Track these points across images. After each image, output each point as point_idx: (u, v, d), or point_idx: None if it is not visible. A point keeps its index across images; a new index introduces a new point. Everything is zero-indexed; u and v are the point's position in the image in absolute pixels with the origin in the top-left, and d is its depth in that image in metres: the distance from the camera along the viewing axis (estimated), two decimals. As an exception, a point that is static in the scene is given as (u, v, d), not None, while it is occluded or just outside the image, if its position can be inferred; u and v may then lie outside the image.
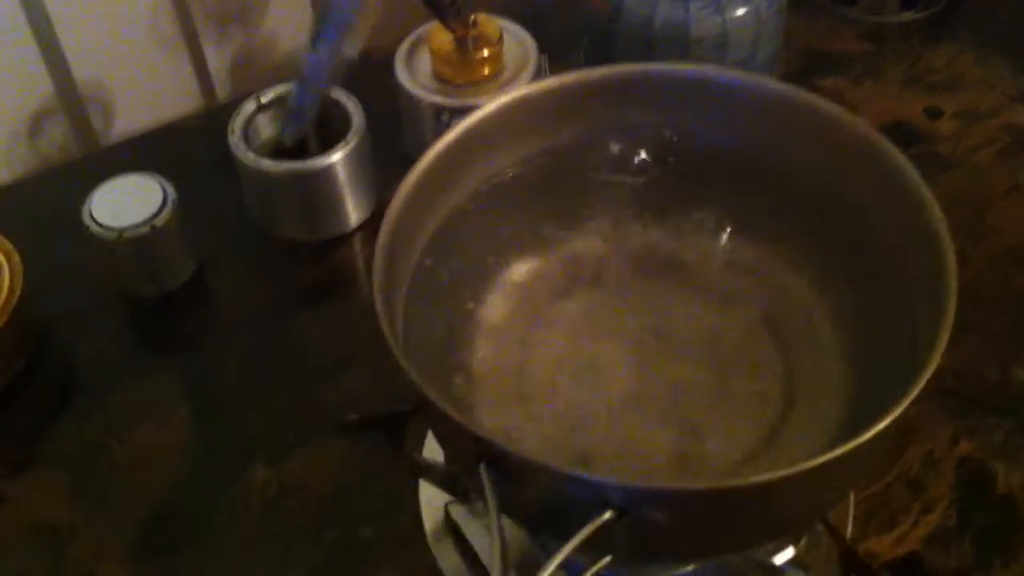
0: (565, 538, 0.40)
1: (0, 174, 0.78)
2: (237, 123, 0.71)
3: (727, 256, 0.57)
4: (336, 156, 0.69)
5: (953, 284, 0.44)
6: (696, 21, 0.68)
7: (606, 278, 0.58)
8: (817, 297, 0.55)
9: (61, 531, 0.60)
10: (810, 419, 0.51)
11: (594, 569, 0.43)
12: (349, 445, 0.62)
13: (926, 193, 0.48)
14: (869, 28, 0.85)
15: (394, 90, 0.74)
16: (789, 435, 0.51)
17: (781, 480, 0.40)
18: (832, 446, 0.40)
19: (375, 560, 0.58)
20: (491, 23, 0.73)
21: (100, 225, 0.66)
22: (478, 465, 0.42)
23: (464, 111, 0.54)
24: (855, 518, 0.57)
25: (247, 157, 0.69)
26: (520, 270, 0.57)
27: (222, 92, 0.84)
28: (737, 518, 0.43)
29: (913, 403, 0.41)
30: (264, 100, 0.72)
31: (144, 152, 0.78)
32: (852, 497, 0.57)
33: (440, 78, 0.73)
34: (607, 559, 0.43)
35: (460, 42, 0.71)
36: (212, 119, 0.80)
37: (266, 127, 0.73)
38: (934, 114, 0.79)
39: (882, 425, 0.41)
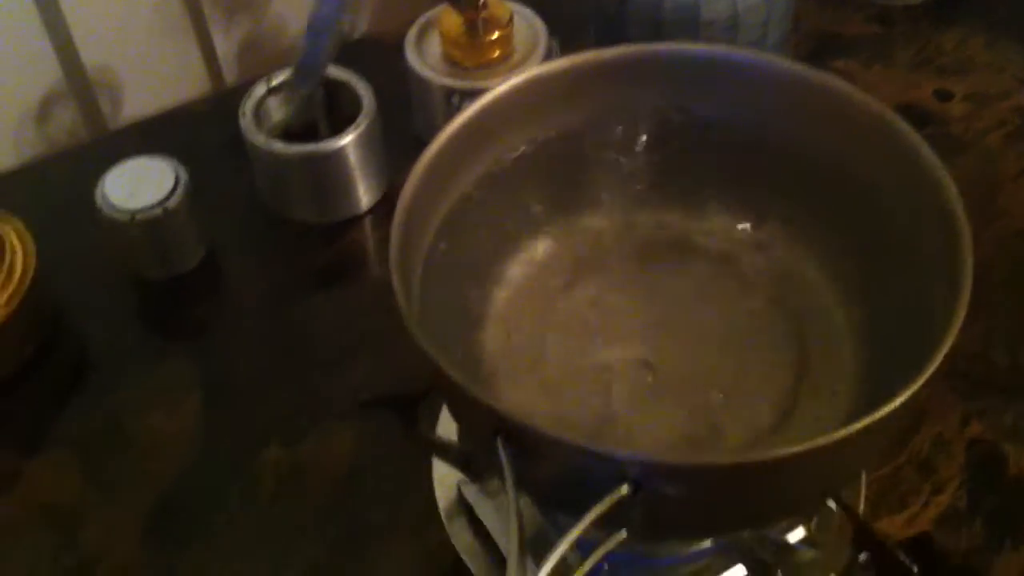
0: (580, 514, 0.40)
1: (9, 158, 0.78)
2: (248, 106, 0.71)
3: (740, 237, 0.57)
4: (347, 139, 0.69)
5: (969, 261, 0.44)
6: (706, 3, 0.67)
7: (619, 259, 0.57)
8: (830, 277, 0.55)
9: (72, 513, 0.60)
10: (823, 399, 0.51)
11: (609, 544, 0.43)
12: (362, 427, 0.62)
13: (941, 171, 0.48)
14: (878, 11, 0.85)
15: (404, 73, 0.74)
16: (802, 415, 0.51)
17: (797, 455, 0.40)
18: (846, 425, 0.40)
19: (389, 538, 0.58)
20: (501, 5, 0.73)
21: (113, 207, 0.66)
22: (495, 440, 0.42)
23: (475, 93, 0.54)
24: (867, 499, 0.57)
25: (258, 139, 0.69)
26: (532, 252, 0.57)
27: (230, 76, 0.84)
28: (752, 494, 0.43)
29: (927, 382, 0.41)
30: (274, 83, 0.72)
31: (153, 136, 0.78)
32: (864, 478, 0.57)
33: (450, 61, 0.73)
34: (622, 534, 0.43)
35: (470, 25, 0.71)
36: (220, 103, 0.80)
37: (276, 110, 0.73)
38: (944, 96, 0.79)
39: (898, 402, 0.41)
